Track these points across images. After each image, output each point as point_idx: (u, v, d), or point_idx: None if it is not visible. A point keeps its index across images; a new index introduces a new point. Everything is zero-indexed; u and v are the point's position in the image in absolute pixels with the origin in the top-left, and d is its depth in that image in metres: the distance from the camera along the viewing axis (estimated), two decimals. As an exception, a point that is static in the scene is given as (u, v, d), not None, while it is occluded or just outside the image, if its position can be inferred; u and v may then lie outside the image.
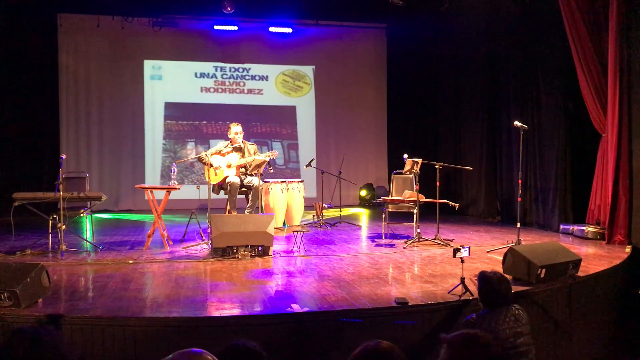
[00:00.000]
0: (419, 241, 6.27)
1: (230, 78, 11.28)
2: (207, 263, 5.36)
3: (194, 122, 11.11)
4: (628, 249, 5.78)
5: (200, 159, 6.68)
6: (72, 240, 6.46)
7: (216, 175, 6.71)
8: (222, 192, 6.92)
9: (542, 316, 4.15)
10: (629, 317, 5.19)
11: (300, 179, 8.13)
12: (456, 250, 3.98)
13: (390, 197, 7.16)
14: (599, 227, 6.46)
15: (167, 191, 6.27)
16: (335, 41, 11.41)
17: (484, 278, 3.09)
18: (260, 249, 5.63)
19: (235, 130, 6.89)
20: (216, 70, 11.21)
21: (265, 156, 6.76)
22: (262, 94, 11.40)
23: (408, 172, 6.62)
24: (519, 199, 6.02)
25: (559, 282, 4.34)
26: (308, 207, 8.56)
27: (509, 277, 4.41)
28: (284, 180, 7.90)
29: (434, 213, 6.70)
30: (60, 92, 10.26)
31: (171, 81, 10.99)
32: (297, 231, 6.33)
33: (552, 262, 4.34)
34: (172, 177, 6.40)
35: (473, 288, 4.00)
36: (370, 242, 6.70)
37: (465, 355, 1.84)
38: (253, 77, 11.38)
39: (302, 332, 3.59)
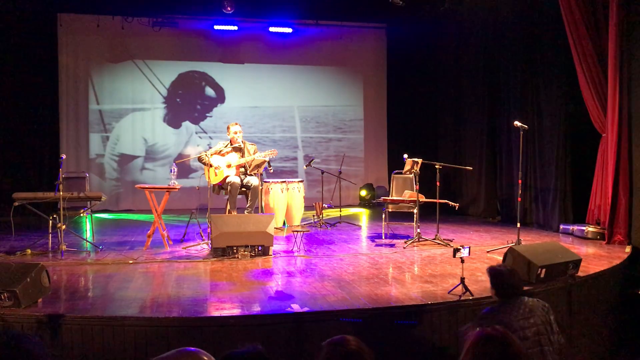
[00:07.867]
0: (419, 241, 6.27)
1: (230, 78, 11.26)
2: (207, 263, 5.36)
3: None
4: (628, 249, 5.78)
5: (200, 159, 6.68)
6: (72, 240, 6.46)
7: (216, 175, 6.70)
8: (222, 191, 6.92)
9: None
10: (629, 317, 5.19)
11: (300, 179, 8.14)
12: (456, 250, 3.97)
13: (390, 197, 7.15)
14: (599, 227, 6.45)
15: (167, 191, 6.27)
16: (335, 41, 11.40)
17: (495, 272, 3.19)
18: (260, 249, 5.63)
19: (235, 130, 6.88)
20: (216, 70, 11.20)
21: (264, 155, 6.76)
22: (262, 94, 11.39)
23: (408, 172, 6.62)
24: (519, 199, 6.02)
25: (559, 282, 4.35)
26: (308, 207, 8.55)
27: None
28: (284, 180, 7.90)
29: (434, 213, 6.70)
30: (60, 92, 10.25)
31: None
32: (297, 231, 6.33)
33: (552, 262, 4.35)
34: (172, 177, 6.40)
35: (473, 288, 4.00)
36: (370, 242, 6.70)
37: (484, 355, 1.86)
38: (253, 77, 11.36)
39: (302, 332, 3.59)
